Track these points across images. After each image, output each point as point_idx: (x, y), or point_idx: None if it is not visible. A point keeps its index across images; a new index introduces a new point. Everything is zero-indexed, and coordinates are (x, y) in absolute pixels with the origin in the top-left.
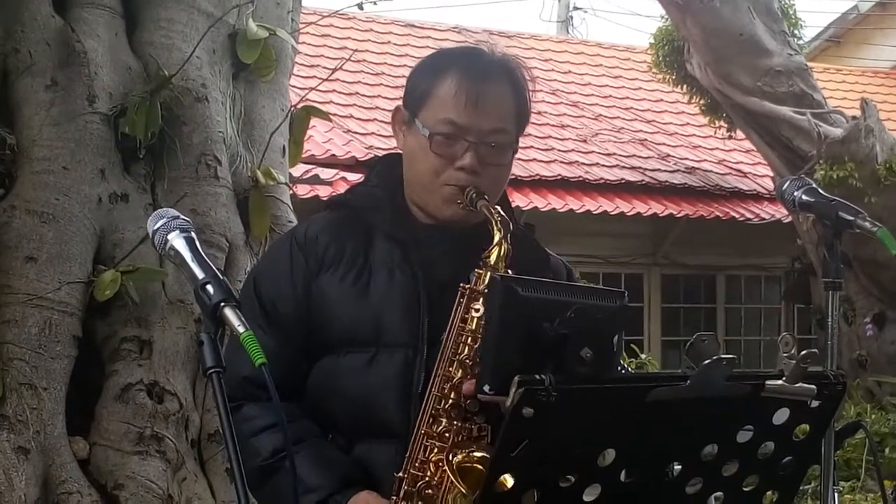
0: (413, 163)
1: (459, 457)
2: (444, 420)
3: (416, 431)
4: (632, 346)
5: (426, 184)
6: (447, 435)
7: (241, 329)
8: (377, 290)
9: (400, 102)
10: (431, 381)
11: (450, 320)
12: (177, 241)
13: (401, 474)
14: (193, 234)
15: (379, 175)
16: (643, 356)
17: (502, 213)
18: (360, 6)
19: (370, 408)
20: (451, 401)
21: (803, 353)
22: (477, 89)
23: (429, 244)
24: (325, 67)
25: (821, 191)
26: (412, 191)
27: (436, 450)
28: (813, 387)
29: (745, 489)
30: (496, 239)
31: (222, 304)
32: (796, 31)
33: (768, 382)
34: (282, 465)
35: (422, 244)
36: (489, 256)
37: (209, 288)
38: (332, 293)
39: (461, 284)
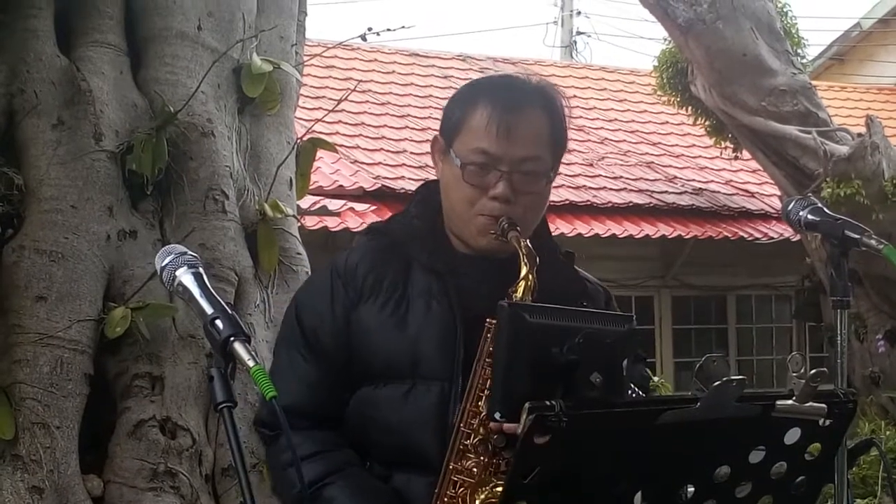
0: (448, 192)
1: (483, 495)
2: (472, 456)
3: (445, 466)
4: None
5: (460, 213)
6: (475, 470)
7: (251, 363)
8: (414, 322)
9: (437, 132)
10: (459, 416)
11: (477, 355)
12: (185, 278)
13: None
14: (202, 270)
15: (418, 205)
16: (656, 378)
17: (530, 246)
18: (364, 37)
19: (407, 439)
20: (479, 436)
21: (812, 372)
22: (508, 118)
23: (467, 274)
24: (330, 98)
25: (826, 210)
26: (449, 220)
27: (464, 486)
28: (823, 405)
29: None
30: (523, 273)
31: (232, 338)
32: (799, 50)
33: (779, 403)
34: (319, 494)
35: (460, 274)
36: (516, 291)
37: (218, 323)
38: (370, 323)
39: (488, 320)
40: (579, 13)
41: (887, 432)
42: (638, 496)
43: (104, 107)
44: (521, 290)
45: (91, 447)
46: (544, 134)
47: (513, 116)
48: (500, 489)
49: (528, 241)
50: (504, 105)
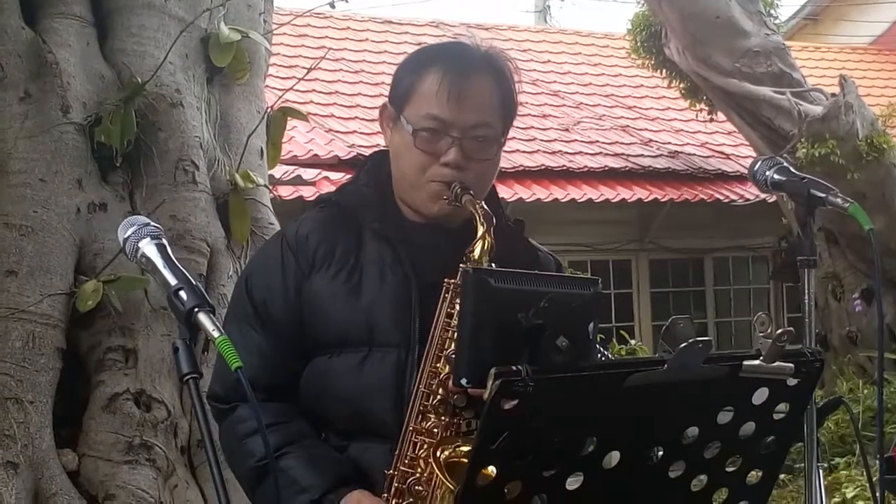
0: (399, 159)
1: (446, 452)
2: (433, 416)
3: (405, 428)
4: (622, 332)
5: (412, 180)
6: (435, 431)
7: (215, 334)
8: (369, 290)
9: (386, 99)
10: (418, 377)
11: (435, 316)
12: (148, 249)
13: (391, 471)
14: (164, 241)
15: (368, 173)
16: (633, 342)
17: (486, 207)
18: (332, 4)
19: (363, 408)
20: (438, 397)
21: (779, 331)
22: (460, 84)
23: (419, 242)
24: (303, 67)
25: (792, 169)
26: (400, 188)
27: (425, 446)
28: (790, 365)
29: (727, 470)
30: (479, 233)
31: (196, 309)
32: (772, 11)
33: (746, 363)
34: (275, 465)
35: (412, 243)
36: (473, 251)
37: (182, 294)
38: (323, 293)
39: (445, 280)
40: None
41: (865, 391)
42: (608, 459)
43: (71, 79)
44: (478, 249)
45: (65, 422)
46: (494, 100)
47: (464, 82)
48: (463, 449)
49: (482, 203)
50: (455, 71)
